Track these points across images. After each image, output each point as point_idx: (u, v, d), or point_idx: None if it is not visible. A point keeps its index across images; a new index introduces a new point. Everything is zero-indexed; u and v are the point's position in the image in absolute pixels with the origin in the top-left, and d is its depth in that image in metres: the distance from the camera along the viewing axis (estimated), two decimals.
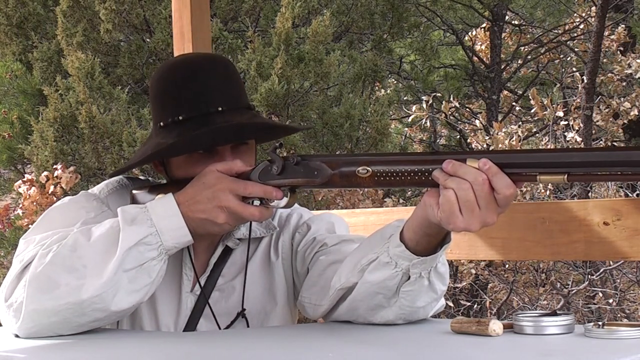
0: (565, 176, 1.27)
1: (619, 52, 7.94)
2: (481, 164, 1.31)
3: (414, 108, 6.73)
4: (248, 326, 1.76)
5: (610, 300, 5.85)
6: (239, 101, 1.72)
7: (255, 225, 1.80)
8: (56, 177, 5.34)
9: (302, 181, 1.52)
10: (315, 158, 1.51)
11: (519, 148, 5.57)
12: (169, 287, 1.74)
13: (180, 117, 1.67)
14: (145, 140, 1.80)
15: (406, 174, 1.40)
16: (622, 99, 7.21)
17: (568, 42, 9.44)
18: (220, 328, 1.74)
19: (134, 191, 1.73)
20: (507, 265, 6.11)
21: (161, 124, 1.70)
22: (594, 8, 8.00)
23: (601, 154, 1.27)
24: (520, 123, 8.18)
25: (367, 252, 1.52)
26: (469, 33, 10.16)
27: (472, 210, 1.32)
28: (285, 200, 1.57)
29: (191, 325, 1.75)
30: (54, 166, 5.51)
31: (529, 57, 9.90)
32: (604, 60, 8.38)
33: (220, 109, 1.67)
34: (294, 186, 1.55)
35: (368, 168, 1.44)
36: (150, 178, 1.87)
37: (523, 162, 1.32)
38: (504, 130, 5.91)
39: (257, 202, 1.59)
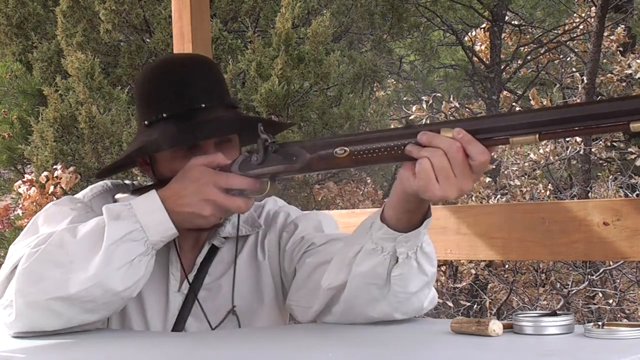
0: (537, 135, 1.30)
1: (618, 53, 7.94)
2: (455, 133, 1.34)
3: (414, 108, 6.72)
4: (239, 323, 1.76)
5: (610, 301, 5.86)
6: (223, 99, 1.74)
7: (241, 224, 1.81)
8: (56, 177, 5.34)
9: (281, 168, 1.52)
10: (294, 144, 1.51)
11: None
12: (157, 287, 1.75)
13: (164, 115, 1.69)
14: (132, 141, 1.81)
15: (383, 150, 1.40)
16: None
17: (568, 43, 9.45)
18: (211, 326, 1.74)
19: (116, 195, 1.74)
20: (507, 266, 6.11)
21: (146, 122, 1.72)
22: (593, 8, 8.00)
23: (569, 110, 1.29)
24: None
25: (351, 246, 1.53)
26: (469, 33, 10.17)
27: (447, 177, 1.34)
28: (266, 190, 1.57)
29: (179, 324, 1.75)
30: (54, 166, 5.51)
31: (529, 57, 9.91)
32: (604, 60, 8.38)
33: (203, 105, 1.69)
34: (274, 174, 1.55)
35: (345, 148, 1.44)
36: (134, 182, 1.87)
37: (494, 126, 1.34)
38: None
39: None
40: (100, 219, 1.55)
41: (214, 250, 1.80)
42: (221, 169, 1.57)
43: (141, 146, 1.68)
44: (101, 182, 1.83)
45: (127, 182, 1.85)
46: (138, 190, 1.72)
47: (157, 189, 1.59)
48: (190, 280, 1.76)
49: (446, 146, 1.33)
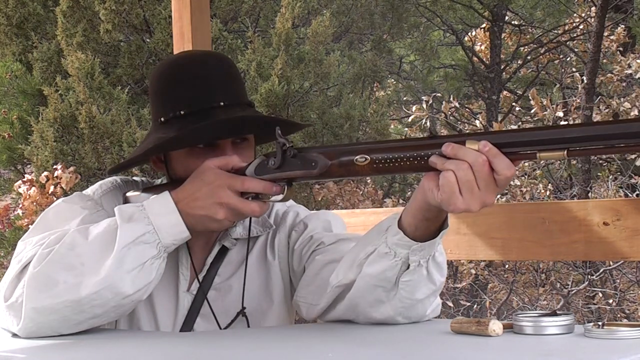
0: (565, 152, 1.28)
1: (618, 53, 7.95)
2: (481, 146, 1.32)
3: (414, 108, 6.73)
4: (248, 325, 1.76)
5: (610, 301, 5.86)
6: (240, 97, 1.73)
7: (252, 224, 1.80)
8: (56, 177, 5.34)
9: (299, 173, 1.51)
10: (312, 149, 1.50)
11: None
12: (166, 287, 1.74)
13: (182, 112, 1.67)
14: (144, 138, 1.79)
15: (405, 159, 1.39)
16: (622, 99, 7.21)
17: (568, 42, 9.45)
18: (220, 327, 1.74)
19: (127, 194, 1.73)
20: (507, 266, 6.12)
21: (162, 119, 1.70)
22: (593, 8, 8.00)
23: (600, 128, 1.27)
24: (520, 123, 8.18)
25: (364, 247, 1.52)
26: (469, 33, 10.16)
27: (471, 190, 1.32)
28: (282, 194, 1.56)
29: (188, 324, 1.75)
30: (54, 166, 5.51)
31: (529, 57, 9.90)
32: (604, 60, 8.38)
33: (222, 103, 1.67)
34: (291, 179, 1.54)
35: (366, 156, 1.43)
36: (143, 179, 1.86)
37: (522, 140, 1.32)
38: (507, 129, 5.91)
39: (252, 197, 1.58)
40: (112, 220, 1.54)
41: (223, 251, 1.79)
42: (236, 172, 1.56)
43: (158, 143, 1.66)
44: (110, 179, 1.81)
45: (136, 179, 1.84)
46: (148, 190, 1.70)
47: (170, 189, 1.58)
48: (200, 281, 1.76)
49: (472, 159, 1.32)
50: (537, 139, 1.31)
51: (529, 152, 1.32)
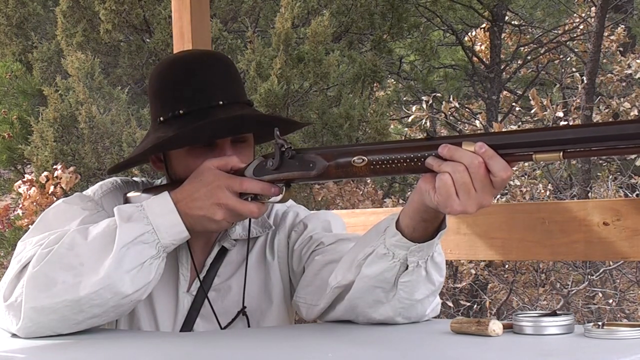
0: (561, 153, 1.28)
1: (618, 53, 7.95)
2: (477, 148, 1.32)
3: (413, 108, 6.72)
4: (249, 324, 1.76)
5: (610, 301, 5.86)
6: (239, 96, 1.73)
7: (252, 225, 1.80)
8: (56, 177, 5.34)
9: (297, 174, 1.52)
10: (310, 151, 1.51)
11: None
12: (166, 287, 1.74)
13: (181, 111, 1.67)
14: (144, 137, 1.79)
15: (402, 160, 1.40)
16: (621, 99, 7.21)
17: (568, 43, 9.45)
18: (221, 326, 1.74)
19: (127, 194, 1.73)
20: (507, 266, 6.11)
21: (161, 119, 1.70)
22: (593, 8, 8.00)
23: (595, 129, 1.27)
24: (520, 123, 8.18)
25: (363, 248, 1.52)
26: (469, 33, 10.16)
27: (468, 192, 1.33)
28: (280, 196, 1.57)
29: (188, 325, 1.75)
30: (54, 166, 5.51)
31: (529, 57, 9.90)
32: (604, 60, 8.38)
33: (220, 102, 1.67)
34: (290, 180, 1.55)
35: (364, 157, 1.43)
36: (143, 179, 1.86)
37: (518, 142, 1.32)
38: (503, 130, 5.91)
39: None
40: (111, 220, 1.54)
41: (223, 252, 1.79)
42: (235, 172, 1.57)
43: (157, 143, 1.66)
44: (111, 179, 1.81)
45: (136, 179, 1.84)
46: (149, 191, 1.70)
47: (170, 189, 1.58)
48: (200, 281, 1.76)
49: (468, 161, 1.32)
50: (533, 140, 1.31)
51: (525, 153, 1.32)
